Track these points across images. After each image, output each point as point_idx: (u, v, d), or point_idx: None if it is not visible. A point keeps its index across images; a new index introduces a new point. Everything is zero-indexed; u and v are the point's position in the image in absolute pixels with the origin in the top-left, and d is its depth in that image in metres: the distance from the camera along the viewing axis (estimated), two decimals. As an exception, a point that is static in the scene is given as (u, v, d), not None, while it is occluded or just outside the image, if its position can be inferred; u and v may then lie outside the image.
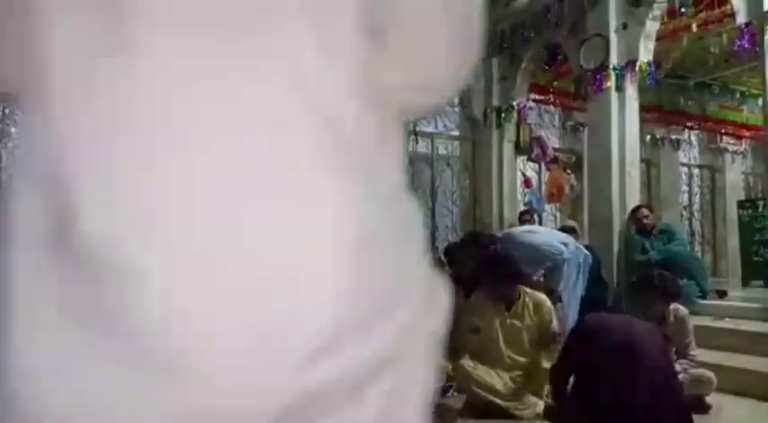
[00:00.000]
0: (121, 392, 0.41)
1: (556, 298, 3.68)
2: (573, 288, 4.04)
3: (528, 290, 3.35)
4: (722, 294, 5.12)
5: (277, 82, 0.44)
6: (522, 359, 3.23)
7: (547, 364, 3.17)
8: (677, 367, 2.97)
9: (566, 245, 4.09)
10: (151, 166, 0.41)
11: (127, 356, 0.40)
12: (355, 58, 0.46)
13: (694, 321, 3.49)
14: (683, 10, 5.23)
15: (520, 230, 4.41)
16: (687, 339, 3.20)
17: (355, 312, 0.44)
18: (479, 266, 3.44)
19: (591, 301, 4.07)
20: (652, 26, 5.38)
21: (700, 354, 3.34)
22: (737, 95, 8.54)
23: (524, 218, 6.26)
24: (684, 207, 8.88)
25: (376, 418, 0.46)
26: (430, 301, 0.53)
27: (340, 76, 0.46)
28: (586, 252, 4.37)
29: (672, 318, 3.13)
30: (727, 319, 4.42)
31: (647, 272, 3.26)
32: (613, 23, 5.49)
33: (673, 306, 3.14)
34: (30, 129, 0.46)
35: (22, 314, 0.42)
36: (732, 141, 8.89)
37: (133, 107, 0.42)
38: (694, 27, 5.40)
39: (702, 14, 5.22)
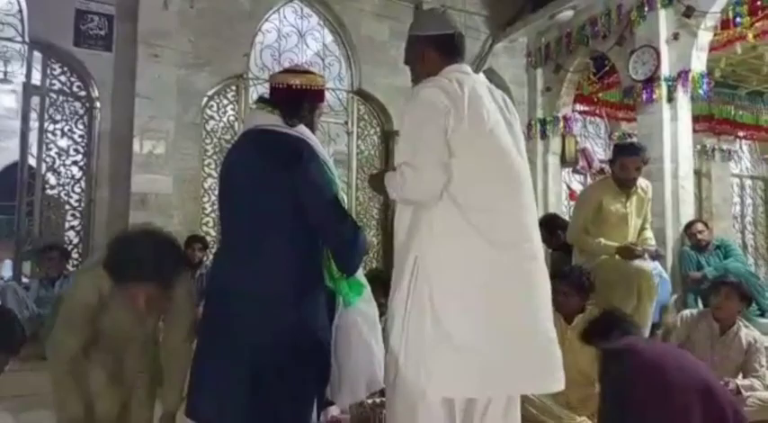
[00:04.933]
0: None
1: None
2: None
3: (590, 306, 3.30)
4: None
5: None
6: (582, 379, 3.15)
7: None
8: (745, 382, 2.95)
9: None
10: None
11: None
12: None
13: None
14: (737, 20, 5.09)
15: None
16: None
17: None
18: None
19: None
20: (705, 36, 5.27)
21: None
22: (792, 104, 8.26)
23: (572, 231, 6.15)
24: (737, 218, 8.61)
25: None
26: None
27: None
28: (665, 275, 4.22)
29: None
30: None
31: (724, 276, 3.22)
32: (664, 34, 5.39)
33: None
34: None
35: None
36: (787, 151, 8.60)
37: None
38: (750, 37, 5.25)
39: (759, 24, 5.06)
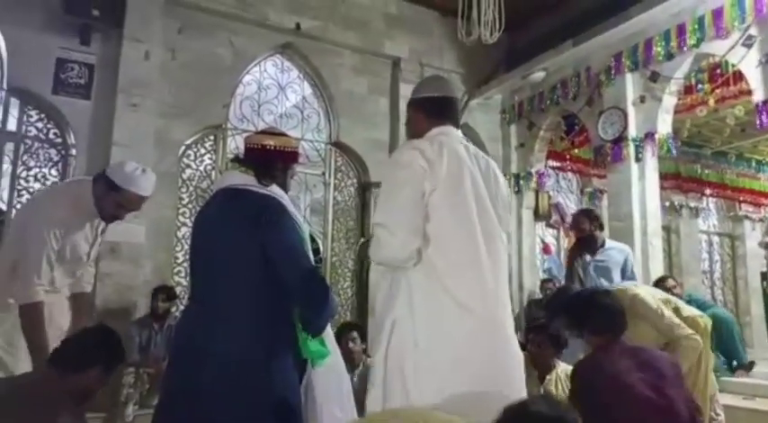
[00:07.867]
0: None
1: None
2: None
3: (560, 362, 3.32)
4: (749, 366, 5.02)
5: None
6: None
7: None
8: None
9: None
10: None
11: None
12: None
13: (723, 400, 3.49)
14: (699, 86, 5.35)
15: None
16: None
17: None
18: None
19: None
20: (669, 100, 5.50)
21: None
22: (754, 164, 8.59)
23: (547, 286, 6.21)
24: (706, 274, 8.78)
25: None
26: None
27: None
28: None
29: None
30: (757, 399, 4.30)
31: None
32: (631, 96, 5.63)
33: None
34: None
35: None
36: (751, 209, 8.87)
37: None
38: (711, 102, 5.50)
39: (719, 91, 5.32)
